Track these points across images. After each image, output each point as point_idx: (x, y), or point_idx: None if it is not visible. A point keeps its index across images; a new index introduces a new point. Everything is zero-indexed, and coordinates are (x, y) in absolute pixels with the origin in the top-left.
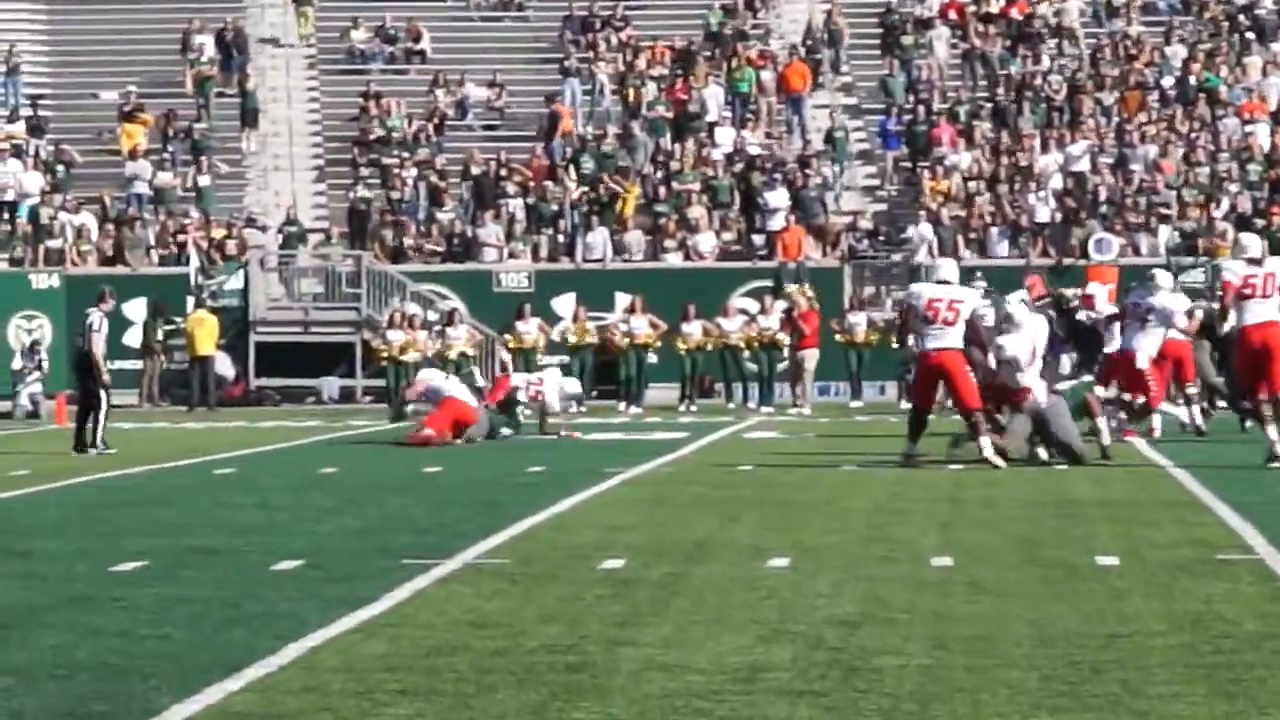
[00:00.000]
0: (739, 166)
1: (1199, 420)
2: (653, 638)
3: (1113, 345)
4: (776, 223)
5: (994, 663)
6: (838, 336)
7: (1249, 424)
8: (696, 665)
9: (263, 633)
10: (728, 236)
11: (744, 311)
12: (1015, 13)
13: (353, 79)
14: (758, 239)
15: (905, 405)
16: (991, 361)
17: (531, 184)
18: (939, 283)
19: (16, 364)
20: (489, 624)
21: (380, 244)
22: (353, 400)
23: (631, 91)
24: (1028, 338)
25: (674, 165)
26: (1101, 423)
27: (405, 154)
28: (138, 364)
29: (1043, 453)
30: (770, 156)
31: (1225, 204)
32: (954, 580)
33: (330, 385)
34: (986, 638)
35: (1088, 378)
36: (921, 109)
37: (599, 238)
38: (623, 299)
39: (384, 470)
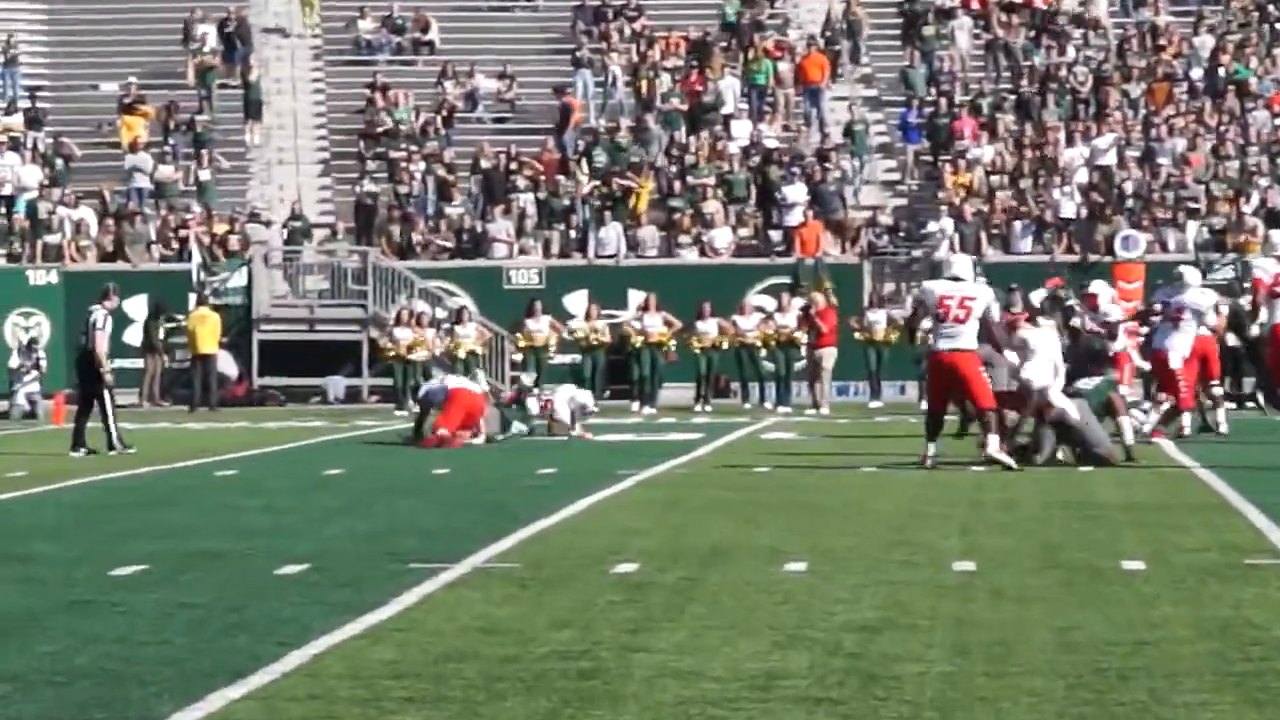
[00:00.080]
0: (756, 160)
1: (1222, 422)
2: (667, 644)
3: (1117, 346)
4: (794, 218)
5: (1017, 670)
6: (856, 335)
7: None
8: (711, 672)
9: (266, 639)
10: (744, 232)
11: (760, 309)
12: (1039, 2)
13: (359, 70)
14: (775, 235)
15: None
16: (1010, 358)
17: (542, 178)
18: (951, 279)
19: (14, 362)
20: (499, 630)
21: (387, 239)
22: (359, 400)
23: (645, 83)
24: (1047, 360)
25: (689, 159)
26: (1125, 422)
27: (413, 147)
28: (138, 362)
29: (1062, 454)
30: (788, 150)
31: (1255, 199)
32: (976, 585)
33: (336, 385)
34: (1009, 644)
35: (1112, 374)
36: (943, 101)
37: (612, 233)
38: (636, 296)
39: (391, 472)
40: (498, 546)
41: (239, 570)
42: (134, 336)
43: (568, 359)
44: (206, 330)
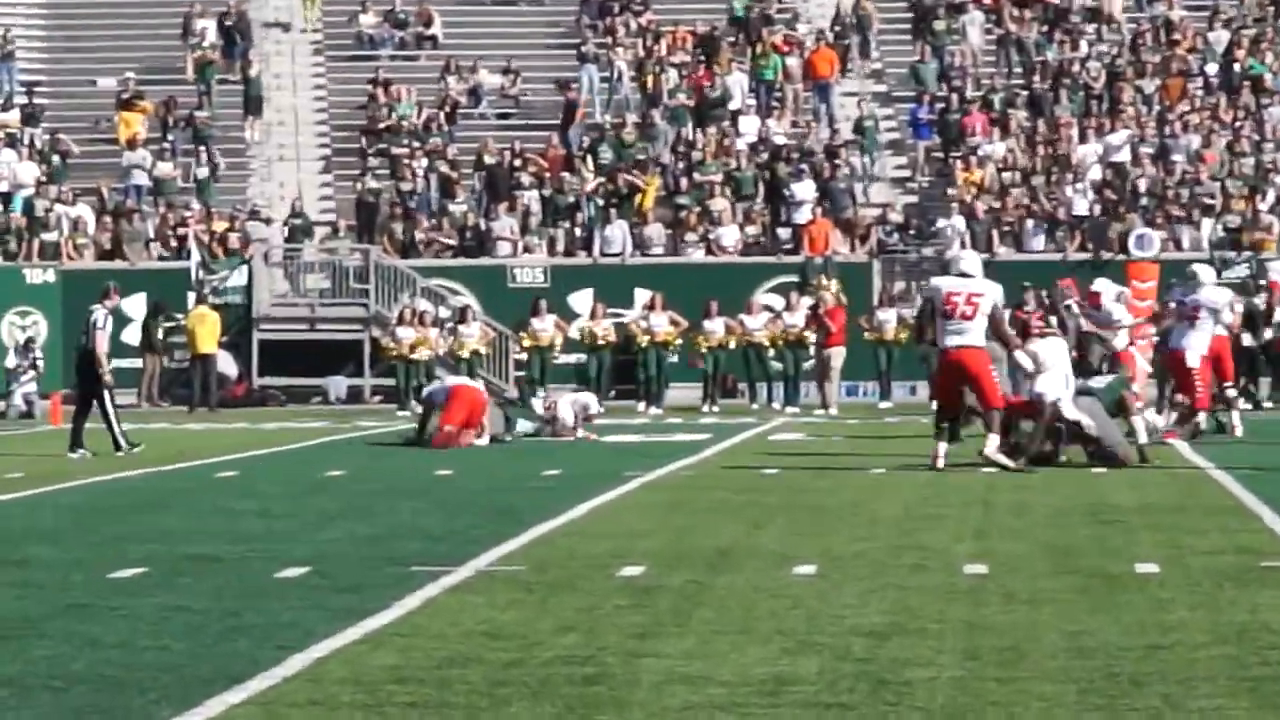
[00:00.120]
0: (764, 157)
1: (1237, 424)
2: (674, 649)
3: (1118, 345)
4: (803, 215)
5: (1029, 675)
6: (866, 334)
7: None
8: (719, 677)
9: (266, 643)
10: (752, 230)
11: (769, 308)
12: None
13: (361, 65)
14: (783, 233)
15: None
16: (1026, 362)
17: (547, 175)
18: (960, 275)
19: (10, 362)
20: (503, 634)
21: (389, 237)
22: (360, 401)
23: (651, 78)
24: (1059, 372)
25: (696, 155)
26: (1138, 421)
27: (416, 144)
28: (137, 362)
29: (1067, 455)
30: (796, 146)
31: (1271, 196)
32: (987, 589)
33: (337, 385)
34: (1021, 649)
35: (1125, 372)
36: (954, 97)
37: (618, 231)
38: (642, 295)
39: (393, 474)
40: (501, 549)
41: (238, 574)
42: (132, 336)
43: (573, 359)
44: (206, 330)
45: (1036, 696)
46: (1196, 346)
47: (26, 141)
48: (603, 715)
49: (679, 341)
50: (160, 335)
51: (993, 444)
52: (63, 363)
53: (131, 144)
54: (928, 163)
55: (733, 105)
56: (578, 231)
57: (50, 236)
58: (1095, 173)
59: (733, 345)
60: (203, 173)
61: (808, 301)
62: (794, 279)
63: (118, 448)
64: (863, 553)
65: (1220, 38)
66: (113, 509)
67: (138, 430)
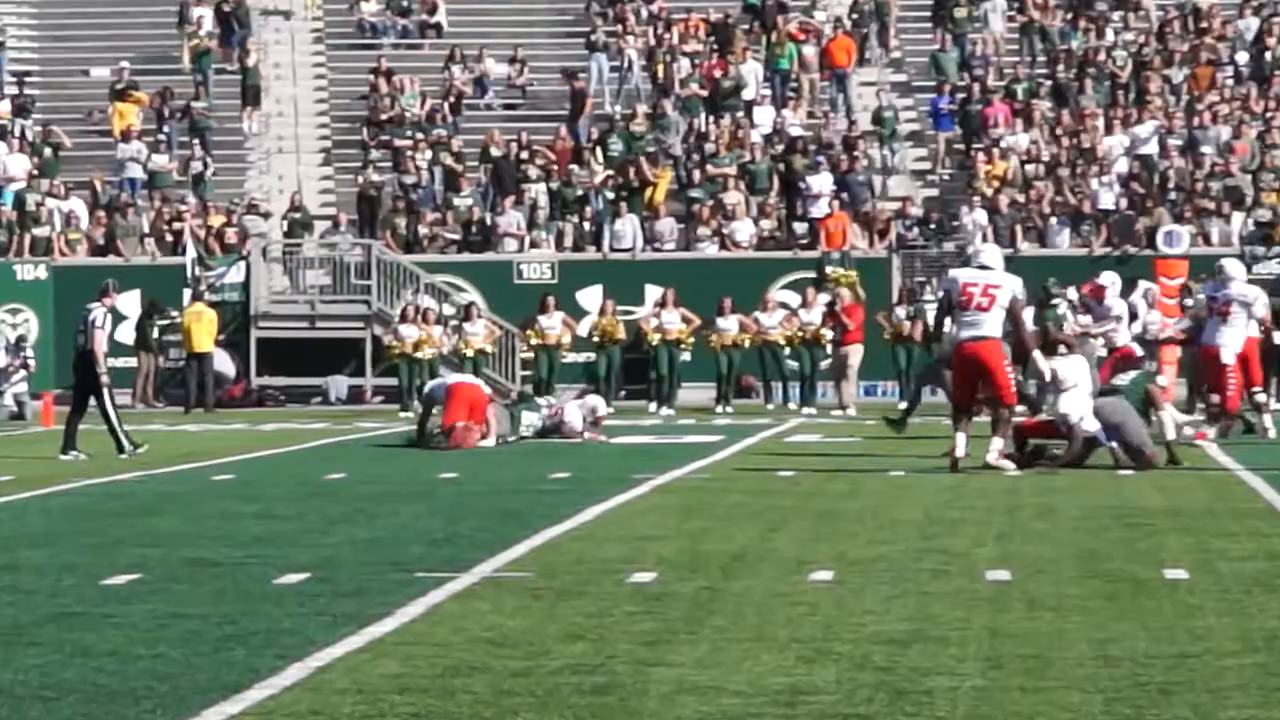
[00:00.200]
0: (779, 149)
1: (1269, 426)
2: (686, 657)
3: (1121, 340)
4: (819, 209)
5: (1053, 684)
6: (885, 332)
7: None
8: (733, 687)
9: (265, 652)
10: (767, 224)
11: (784, 305)
12: None
13: (363, 54)
14: (799, 227)
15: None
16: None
17: (555, 167)
18: (980, 269)
19: (0, 361)
20: (509, 642)
21: (392, 232)
22: (362, 401)
23: (663, 68)
24: (1084, 392)
25: (709, 147)
26: (1166, 416)
27: (419, 135)
28: (131, 361)
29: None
30: (813, 138)
31: None
32: (1011, 595)
33: (338, 384)
34: (1046, 657)
35: (1150, 366)
36: (976, 87)
37: (628, 226)
38: (654, 292)
39: (396, 477)
40: (508, 555)
41: (236, 579)
42: (126, 334)
43: (581, 357)
44: (202, 328)
45: (1062, 707)
46: (1231, 343)
47: (17, 133)
48: None
49: (691, 340)
50: (155, 333)
51: (996, 448)
52: (54, 362)
53: (125, 136)
54: (948, 155)
55: (747, 95)
56: (587, 226)
57: (42, 231)
58: (1122, 165)
59: (747, 344)
60: (198, 166)
61: (824, 298)
62: (810, 275)
63: (120, 449)
64: (882, 557)
65: (1250, 25)
66: (106, 512)
67: (133, 432)
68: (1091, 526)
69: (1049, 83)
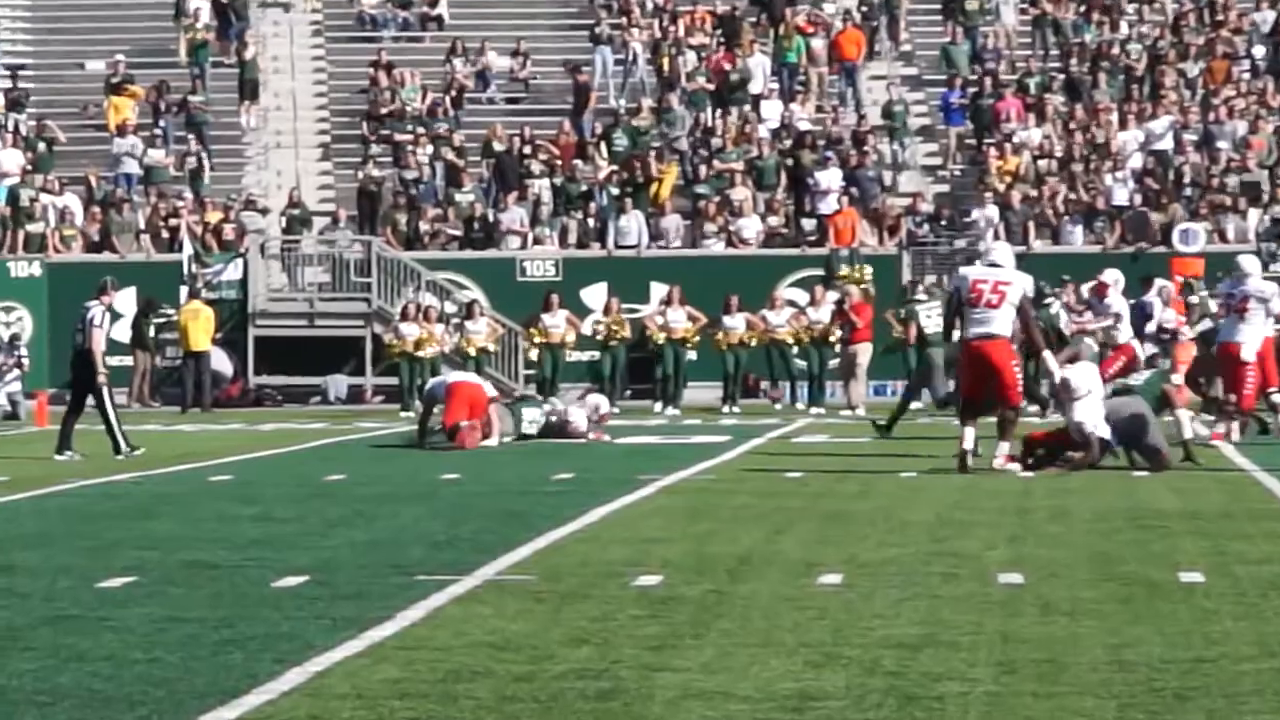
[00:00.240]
0: (787, 143)
1: None
2: (692, 662)
3: (1123, 338)
4: (828, 205)
5: (1067, 690)
6: (895, 331)
7: None
8: (740, 692)
9: (263, 656)
10: (774, 221)
11: (792, 303)
12: None
13: (362, 47)
14: (807, 223)
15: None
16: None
17: (559, 163)
18: (990, 266)
19: None
20: (512, 647)
21: (392, 228)
22: (361, 401)
23: (668, 61)
24: (1098, 400)
25: (715, 142)
26: (1183, 415)
27: (420, 130)
28: (127, 360)
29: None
30: (822, 133)
31: None
32: (1023, 599)
33: (337, 384)
34: (1059, 662)
35: (1164, 364)
36: (988, 80)
37: (633, 222)
38: (659, 289)
39: (396, 478)
40: (510, 557)
41: (233, 582)
42: (121, 332)
43: (585, 356)
44: (199, 326)
45: (1075, 712)
46: (1250, 340)
47: (11, 128)
48: None
49: (697, 338)
50: (151, 332)
51: (1002, 452)
52: (49, 361)
53: (121, 130)
54: (960, 150)
55: (754, 89)
56: (591, 222)
57: (36, 228)
58: (1136, 161)
59: (754, 343)
60: (195, 161)
61: (833, 296)
62: (819, 272)
63: (117, 450)
64: (892, 560)
65: (1267, 17)
66: (102, 514)
67: (128, 432)
68: (1105, 529)
69: (1062, 76)
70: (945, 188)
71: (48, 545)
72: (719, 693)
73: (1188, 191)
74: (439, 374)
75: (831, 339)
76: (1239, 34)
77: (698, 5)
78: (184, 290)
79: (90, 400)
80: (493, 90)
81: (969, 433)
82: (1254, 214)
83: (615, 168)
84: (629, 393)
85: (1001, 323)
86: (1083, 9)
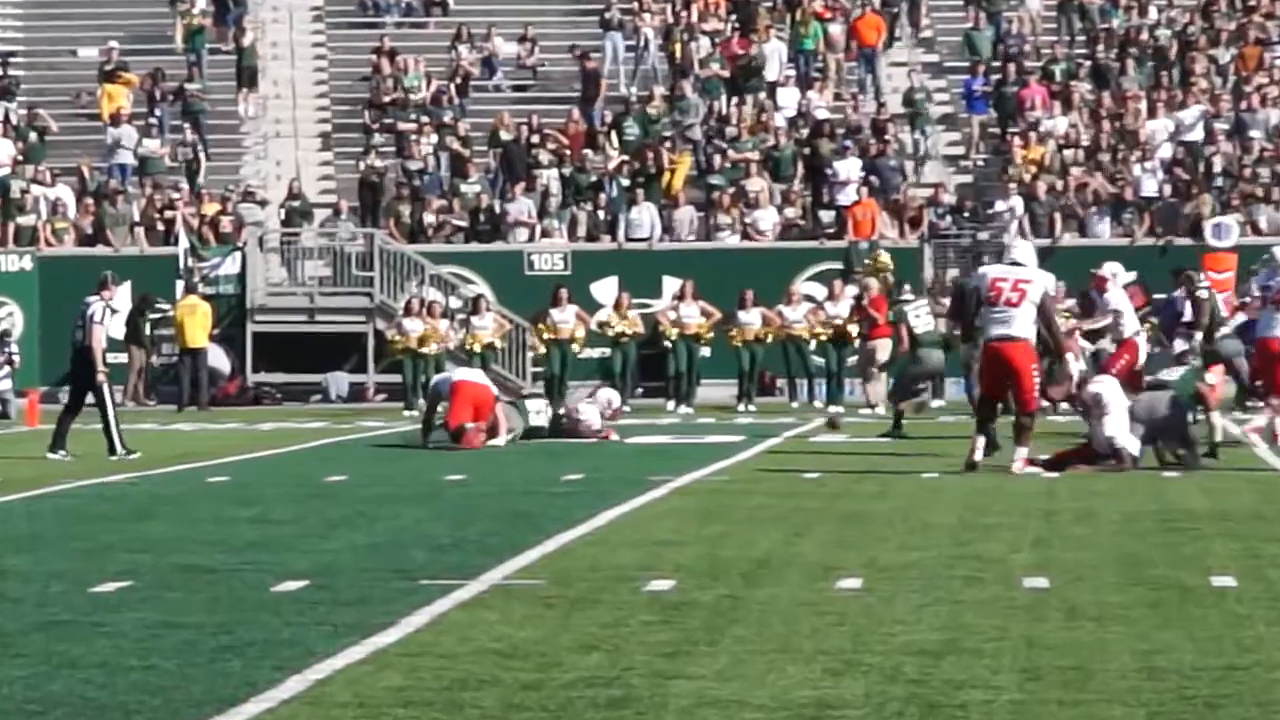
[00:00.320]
0: (804, 133)
1: None
2: (706, 669)
3: (1127, 332)
4: (847, 197)
5: (1094, 697)
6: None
7: None
8: (756, 701)
9: (262, 663)
10: (791, 212)
11: (809, 298)
12: None
13: (364, 33)
14: (826, 215)
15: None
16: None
17: (568, 152)
18: (1011, 264)
19: None
20: (519, 654)
21: (395, 221)
22: (363, 398)
23: (681, 47)
24: (1124, 413)
25: (730, 131)
26: (1216, 416)
27: (424, 118)
28: (121, 356)
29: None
30: (840, 121)
31: None
32: (1049, 603)
33: (338, 381)
34: (1086, 669)
35: (1196, 362)
36: (1011, 67)
37: (645, 214)
38: (671, 284)
39: (399, 478)
40: (518, 561)
41: (231, 587)
42: (116, 329)
43: (596, 353)
44: (196, 322)
45: None
46: None
47: (1, 117)
48: None
49: (711, 334)
50: (147, 328)
51: (1020, 457)
52: (40, 358)
53: (115, 119)
54: (983, 139)
55: (770, 76)
56: (601, 214)
57: (27, 220)
58: (1165, 150)
59: (770, 339)
60: (191, 151)
61: (852, 290)
62: (837, 266)
63: (112, 450)
64: (913, 564)
65: None
66: (96, 516)
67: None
68: (1133, 531)
69: (1088, 63)
70: (968, 178)
71: (40, 548)
72: (734, 701)
73: (1219, 182)
74: (444, 371)
75: (850, 335)
76: (1271, 19)
77: None
78: (180, 285)
79: (90, 399)
80: (499, 77)
81: (980, 442)
82: None
83: (626, 158)
84: (640, 390)
85: (1022, 323)
86: None
